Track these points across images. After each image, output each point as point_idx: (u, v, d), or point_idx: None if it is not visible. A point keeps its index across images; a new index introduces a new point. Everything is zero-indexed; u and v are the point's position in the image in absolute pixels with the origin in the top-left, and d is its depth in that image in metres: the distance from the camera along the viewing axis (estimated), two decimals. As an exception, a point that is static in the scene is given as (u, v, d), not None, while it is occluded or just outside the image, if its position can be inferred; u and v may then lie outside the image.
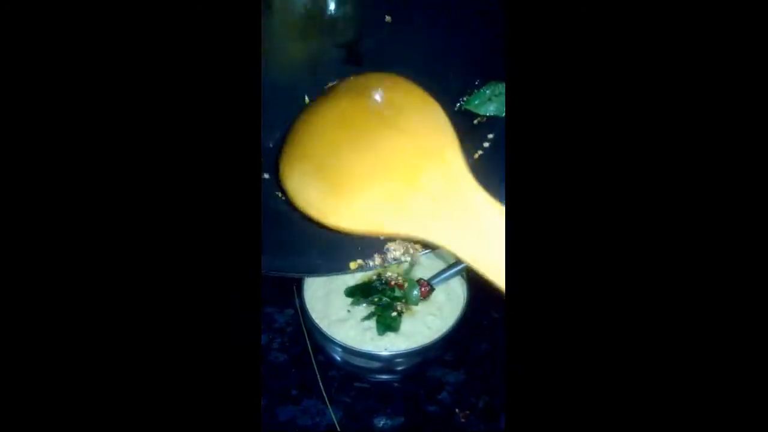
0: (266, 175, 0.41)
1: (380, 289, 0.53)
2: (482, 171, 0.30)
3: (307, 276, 0.47)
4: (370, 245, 0.37)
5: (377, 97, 0.31)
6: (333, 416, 0.49)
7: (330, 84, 0.36)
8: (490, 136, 0.39)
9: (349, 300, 0.53)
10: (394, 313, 0.52)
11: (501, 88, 0.39)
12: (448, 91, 0.40)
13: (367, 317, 0.52)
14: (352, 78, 0.34)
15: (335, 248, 0.39)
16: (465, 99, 0.41)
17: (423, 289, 0.53)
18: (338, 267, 0.38)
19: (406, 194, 0.28)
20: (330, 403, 0.50)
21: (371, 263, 0.36)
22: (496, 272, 0.27)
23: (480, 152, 0.38)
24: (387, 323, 0.51)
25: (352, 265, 0.37)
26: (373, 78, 0.32)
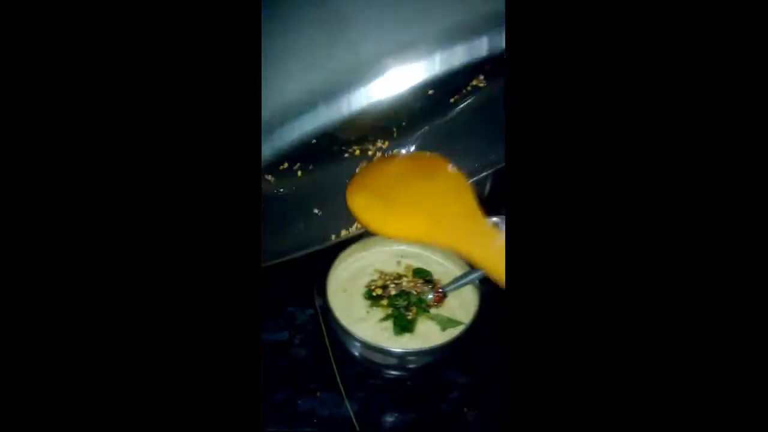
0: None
1: (397, 293, 0.57)
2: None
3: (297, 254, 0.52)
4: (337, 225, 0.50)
5: (425, 162, 0.47)
6: (349, 409, 0.52)
7: (395, 152, 0.50)
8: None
9: (368, 302, 0.57)
10: (410, 316, 0.55)
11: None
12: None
13: (385, 318, 0.55)
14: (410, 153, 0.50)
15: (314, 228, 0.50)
16: None
17: (437, 295, 0.56)
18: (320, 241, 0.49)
19: (439, 218, 0.43)
20: (346, 397, 0.53)
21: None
22: (499, 275, 0.39)
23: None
24: (403, 324, 0.55)
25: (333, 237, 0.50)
26: (423, 154, 0.48)
